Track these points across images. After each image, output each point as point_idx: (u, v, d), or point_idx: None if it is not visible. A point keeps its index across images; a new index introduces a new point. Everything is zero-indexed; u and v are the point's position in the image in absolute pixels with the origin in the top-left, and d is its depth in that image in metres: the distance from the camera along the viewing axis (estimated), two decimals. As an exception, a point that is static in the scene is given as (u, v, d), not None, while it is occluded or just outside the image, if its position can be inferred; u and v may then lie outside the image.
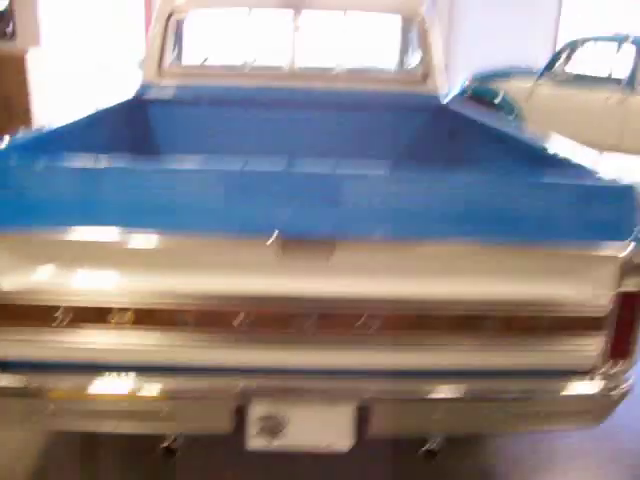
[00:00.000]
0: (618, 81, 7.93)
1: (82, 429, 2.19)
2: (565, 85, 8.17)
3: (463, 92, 8.80)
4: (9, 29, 7.58)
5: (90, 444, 2.57)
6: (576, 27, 11.30)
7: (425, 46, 3.90)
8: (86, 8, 9.34)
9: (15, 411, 2.02)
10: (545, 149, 2.54)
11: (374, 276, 1.87)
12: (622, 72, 7.99)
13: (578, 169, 2.18)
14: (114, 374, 1.93)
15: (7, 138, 2.22)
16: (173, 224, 1.80)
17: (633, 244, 1.84)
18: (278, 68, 4.19)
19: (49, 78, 7.66)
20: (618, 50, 8.04)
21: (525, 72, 8.65)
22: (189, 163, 1.91)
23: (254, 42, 4.41)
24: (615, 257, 1.86)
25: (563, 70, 8.22)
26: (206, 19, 4.49)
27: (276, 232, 1.76)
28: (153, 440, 2.05)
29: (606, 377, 2.01)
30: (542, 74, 8.36)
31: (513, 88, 8.53)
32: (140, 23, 10.95)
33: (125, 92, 3.86)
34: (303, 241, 1.81)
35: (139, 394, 1.94)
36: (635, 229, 1.85)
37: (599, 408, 2.07)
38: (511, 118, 8.43)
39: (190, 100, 3.98)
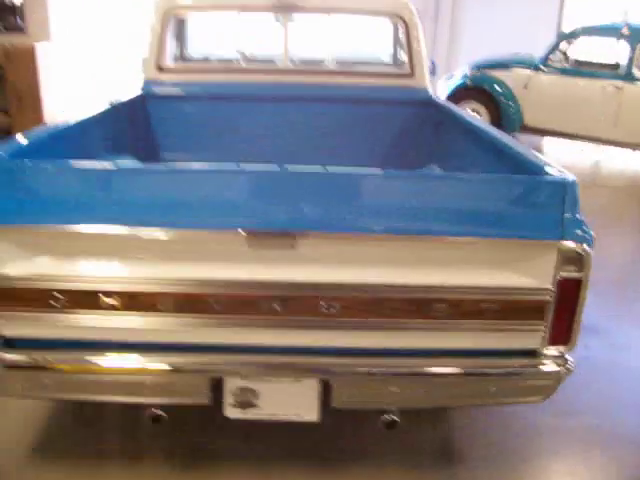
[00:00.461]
0: (617, 67, 7.98)
1: (79, 399, 2.46)
2: (563, 73, 8.23)
3: (464, 81, 8.92)
4: (20, 23, 7.80)
5: (87, 412, 2.84)
6: (580, 16, 11.32)
7: (410, 45, 4.10)
8: (96, 3, 9.54)
9: (20, 383, 2.26)
10: (507, 144, 2.74)
11: (335, 264, 2.09)
12: (621, 59, 8.07)
13: (531, 164, 2.38)
14: (105, 351, 2.17)
15: (19, 137, 2.45)
16: (156, 220, 2.03)
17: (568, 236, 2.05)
18: (273, 64, 4.39)
19: (58, 71, 7.88)
20: (618, 39, 8.10)
21: (525, 61, 8.68)
22: (170, 165, 2.15)
23: (249, 38, 4.59)
24: (555, 247, 2.06)
25: (561, 59, 8.28)
26: (202, 17, 4.65)
27: (243, 227, 1.99)
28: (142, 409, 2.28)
29: (550, 357, 2.22)
30: (541, 63, 8.41)
31: (512, 77, 8.58)
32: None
33: (130, 88, 4.08)
34: (269, 233, 2.03)
35: (128, 369, 2.18)
36: (570, 221, 2.06)
37: (544, 385, 2.29)
38: (511, 105, 8.58)
39: (189, 96, 4.20)
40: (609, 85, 7.81)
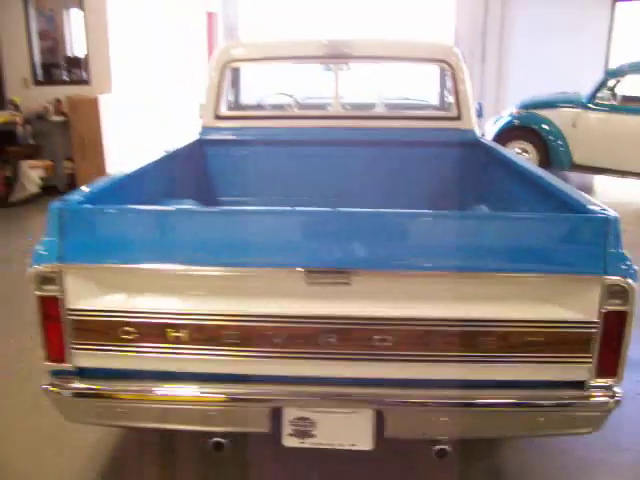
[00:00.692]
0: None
1: (146, 427, 2.61)
2: (611, 111, 8.25)
3: (511, 121, 9.01)
4: (84, 75, 8.29)
5: (153, 439, 3.01)
6: (627, 53, 11.33)
7: (457, 88, 4.25)
8: (155, 58, 10.07)
9: (92, 411, 2.43)
10: (551, 183, 2.84)
11: (388, 299, 2.22)
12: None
13: (575, 202, 2.48)
14: (172, 382, 2.32)
15: (87, 186, 2.67)
16: (221, 259, 2.20)
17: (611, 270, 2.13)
18: (324, 110, 4.60)
19: (119, 121, 8.31)
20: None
21: (572, 100, 8.74)
22: (234, 208, 2.33)
23: (300, 84, 4.81)
24: (599, 281, 2.15)
25: (609, 96, 8.30)
26: (255, 67, 4.90)
27: (301, 265, 2.15)
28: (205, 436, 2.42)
29: (598, 389, 2.28)
30: (588, 101, 8.46)
31: (560, 115, 8.64)
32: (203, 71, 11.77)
33: (185, 136, 4.33)
34: (325, 271, 2.17)
35: (192, 399, 2.33)
36: (613, 256, 2.14)
37: (593, 417, 2.34)
38: (560, 144, 8.61)
39: (243, 141, 4.42)
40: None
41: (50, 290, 2.23)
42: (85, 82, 8.24)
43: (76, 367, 2.33)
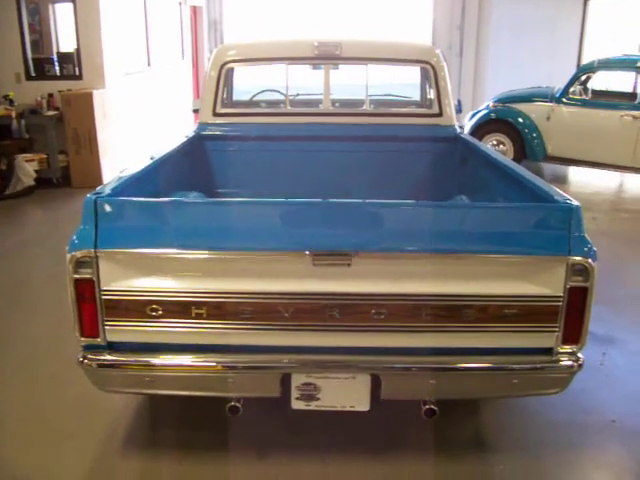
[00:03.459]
0: (634, 97, 8.41)
1: (169, 394, 2.94)
2: (583, 105, 8.64)
3: (488, 114, 9.39)
4: (77, 70, 8.47)
5: (176, 403, 3.35)
6: (600, 46, 11.74)
7: (438, 87, 4.60)
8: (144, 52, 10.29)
9: (119, 380, 2.75)
10: (523, 176, 3.20)
11: (383, 278, 2.55)
12: (638, 89, 8.51)
13: (543, 193, 2.84)
14: (193, 353, 2.65)
15: (115, 180, 2.95)
16: (238, 245, 2.52)
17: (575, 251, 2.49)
18: (314, 107, 4.92)
19: (112, 115, 8.54)
20: (635, 71, 8.54)
21: (546, 94, 9.11)
22: (248, 199, 2.65)
23: (292, 83, 5.08)
24: (564, 261, 2.50)
25: (581, 91, 8.70)
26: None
27: (308, 249, 2.48)
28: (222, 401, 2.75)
29: (564, 354, 2.64)
30: (561, 95, 8.84)
31: (534, 109, 9.02)
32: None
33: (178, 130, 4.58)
34: (329, 254, 2.51)
35: (211, 368, 2.66)
36: (576, 240, 2.50)
37: (560, 378, 2.70)
38: (534, 137, 9.00)
39: (240, 136, 4.73)
40: (627, 115, 8.21)
41: (86, 273, 2.53)
42: (77, 77, 8.42)
43: (107, 342, 2.63)
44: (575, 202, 2.58)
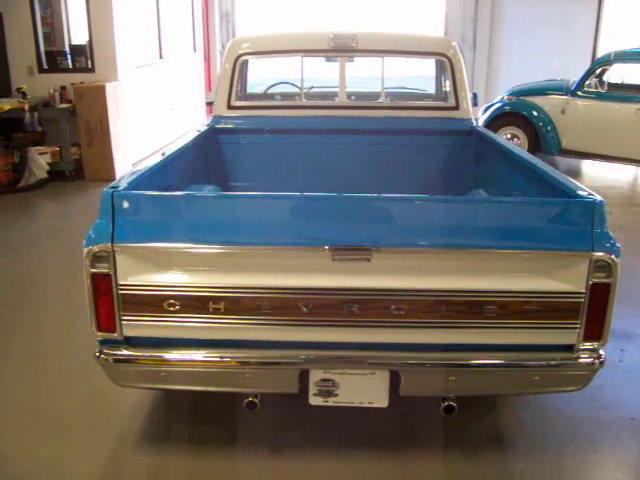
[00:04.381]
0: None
1: (187, 389, 2.92)
2: (598, 98, 8.56)
3: (502, 107, 9.31)
4: (89, 63, 8.46)
5: (190, 399, 3.33)
6: (616, 38, 11.62)
7: (455, 80, 4.55)
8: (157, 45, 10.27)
9: (136, 375, 2.73)
10: (542, 169, 3.16)
11: (403, 273, 2.52)
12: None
13: (564, 187, 2.79)
14: (211, 348, 2.63)
15: (131, 174, 2.92)
16: (257, 239, 2.49)
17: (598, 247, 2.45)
18: (330, 99, 4.88)
19: (125, 107, 8.53)
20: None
21: (561, 87, 9.03)
22: (269, 193, 2.63)
23: (306, 75, 5.05)
24: (586, 257, 2.46)
25: (596, 83, 8.61)
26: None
27: (328, 244, 2.45)
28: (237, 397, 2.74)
29: (585, 351, 2.61)
30: (576, 88, 8.76)
31: (549, 102, 8.95)
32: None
33: (192, 126, 4.57)
34: (348, 249, 2.47)
35: (229, 363, 2.63)
36: (599, 235, 2.46)
37: (581, 375, 2.67)
38: (549, 130, 8.92)
39: (255, 129, 4.70)
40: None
41: (103, 267, 2.51)
42: (90, 70, 8.41)
43: (123, 336, 2.61)
44: (598, 197, 2.54)
